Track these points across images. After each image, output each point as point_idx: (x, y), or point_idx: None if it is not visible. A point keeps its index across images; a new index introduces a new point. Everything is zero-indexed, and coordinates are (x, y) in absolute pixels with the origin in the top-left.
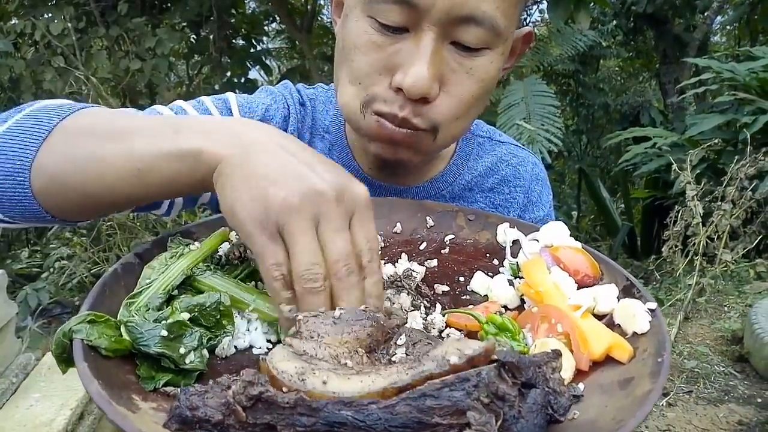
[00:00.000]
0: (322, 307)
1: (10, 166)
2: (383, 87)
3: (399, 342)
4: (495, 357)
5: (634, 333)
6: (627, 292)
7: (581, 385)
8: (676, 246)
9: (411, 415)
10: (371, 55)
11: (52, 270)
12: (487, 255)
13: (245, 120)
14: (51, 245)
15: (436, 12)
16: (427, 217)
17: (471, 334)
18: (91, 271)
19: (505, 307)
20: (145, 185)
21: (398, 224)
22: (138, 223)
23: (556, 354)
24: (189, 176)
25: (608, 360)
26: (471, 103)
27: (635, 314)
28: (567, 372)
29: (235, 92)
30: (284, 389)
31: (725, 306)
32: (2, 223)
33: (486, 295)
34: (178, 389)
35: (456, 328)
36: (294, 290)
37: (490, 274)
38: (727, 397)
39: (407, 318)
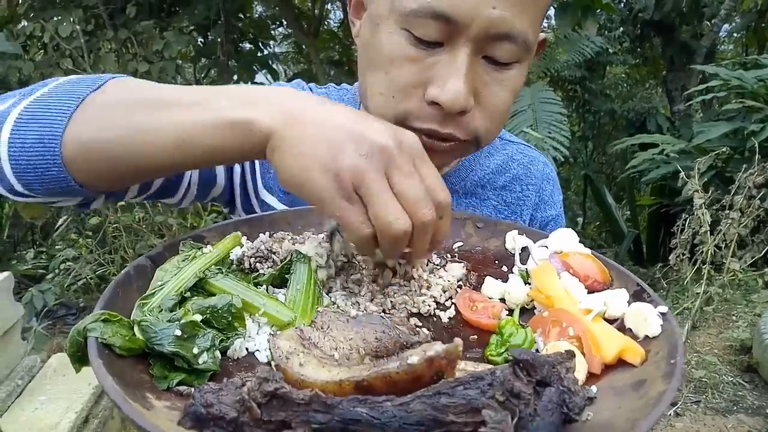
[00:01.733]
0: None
1: (41, 132)
2: (416, 101)
3: None
4: (510, 355)
5: (646, 336)
6: (638, 296)
7: (594, 388)
8: (684, 254)
9: (426, 412)
10: (406, 69)
11: (57, 271)
12: (496, 262)
13: (276, 88)
14: (56, 246)
15: (473, 29)
16: None
17: (484, 333)
18: (97, 273)
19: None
20: (185, 155)
21: None
22: (144, 226)
23: (570, 354)
24: (236, 146)
25: (620, 363)
26: (504, 112)
27: (646, 318)
28: (580, 375)
29: None
30: (272, 363)
31: (733, 315)
32: (20, 196)
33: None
34: (192, 388)
35: (472, 326)
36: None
37: (499, 280)
38: (735, 408)
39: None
